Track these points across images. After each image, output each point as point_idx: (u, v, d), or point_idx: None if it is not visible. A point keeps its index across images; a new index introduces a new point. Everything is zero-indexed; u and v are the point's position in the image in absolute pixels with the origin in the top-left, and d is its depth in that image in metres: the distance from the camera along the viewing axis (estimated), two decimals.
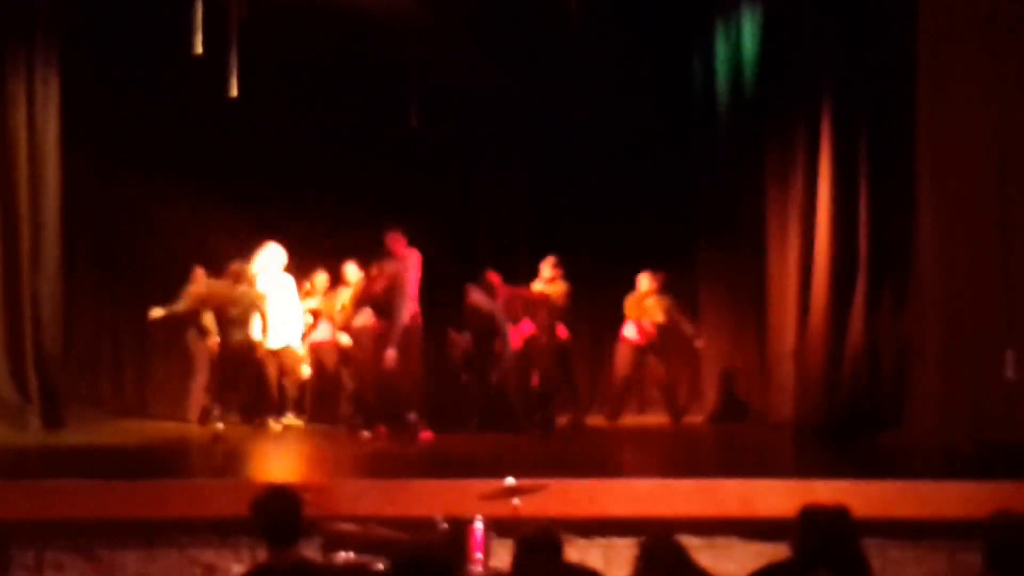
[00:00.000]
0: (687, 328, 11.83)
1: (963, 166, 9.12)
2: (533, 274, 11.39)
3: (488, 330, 11.03)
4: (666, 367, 11.89)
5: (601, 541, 7.04)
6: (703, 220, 12.60)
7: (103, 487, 7.31)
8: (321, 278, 11.51)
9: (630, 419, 11.96)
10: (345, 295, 11.07)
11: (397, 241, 10.13)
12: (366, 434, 10.06)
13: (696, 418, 12.34)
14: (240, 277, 10.72)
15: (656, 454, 9.80)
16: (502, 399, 10.94)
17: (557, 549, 4.74)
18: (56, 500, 7.09)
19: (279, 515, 4.64)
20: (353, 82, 12.23)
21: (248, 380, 11.00)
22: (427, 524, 5.87)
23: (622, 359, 11.75)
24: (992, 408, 8.98)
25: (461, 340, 11.26)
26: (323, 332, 11.29)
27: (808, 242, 10.59)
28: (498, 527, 5.94)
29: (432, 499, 6.81)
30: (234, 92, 10.08)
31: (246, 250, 11.04)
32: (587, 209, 12.68)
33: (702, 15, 12.50)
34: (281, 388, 11.16)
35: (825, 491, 6.73)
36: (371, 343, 10.39)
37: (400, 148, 12.15)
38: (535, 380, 11.06)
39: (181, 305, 11.13)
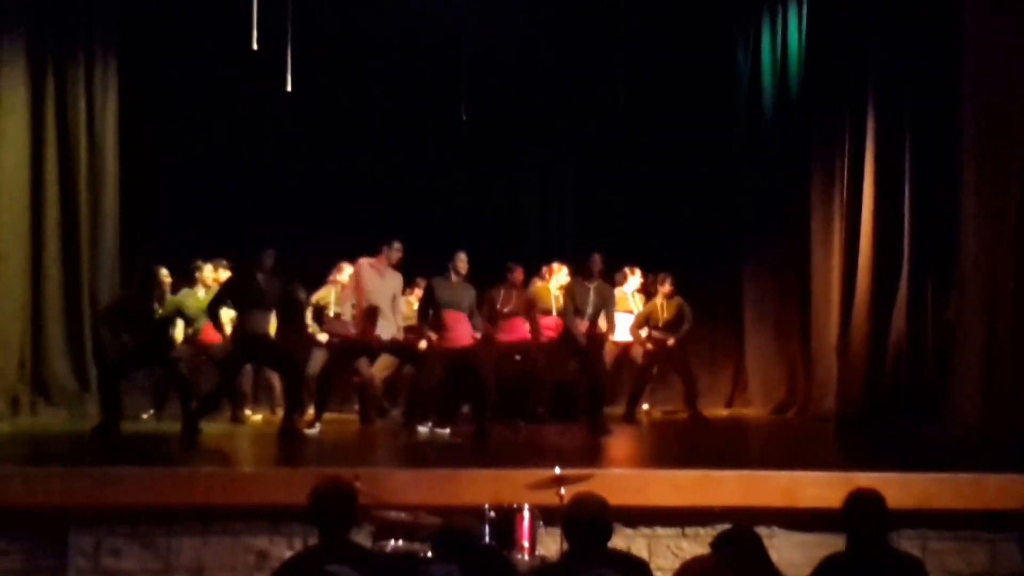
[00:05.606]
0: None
1: (1007, 159, 9.12)
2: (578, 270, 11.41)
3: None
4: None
5: (646, 531, 7.14)
6: (748, 216, 12.65)
7: (160, 474, 7.41)
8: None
9: (675, 411, 12.06)
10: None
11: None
12: (422, 429, 9.90)
13: (741, 410, 12.40)
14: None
15: (700, 445, 9.85)
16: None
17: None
18: (114, 487, 7.17)
19: (335, 504, 4.78)
20: (404, 76, 12.42)
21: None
22: (475, 512, 5.96)
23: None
24: None
25: None
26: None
27: (852, 236, 10.62)
28: (545, 515, 6.05)
29: (480, 488, 6.89)
30: (289, 87, 10.28)
31: (299, 242, 11.22)
32: (633, 205, 12.78)
33: (748, 13, 12.57)
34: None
35: (867, 482, 6.73)
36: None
37: (450, 142, 12.32)
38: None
39: None
